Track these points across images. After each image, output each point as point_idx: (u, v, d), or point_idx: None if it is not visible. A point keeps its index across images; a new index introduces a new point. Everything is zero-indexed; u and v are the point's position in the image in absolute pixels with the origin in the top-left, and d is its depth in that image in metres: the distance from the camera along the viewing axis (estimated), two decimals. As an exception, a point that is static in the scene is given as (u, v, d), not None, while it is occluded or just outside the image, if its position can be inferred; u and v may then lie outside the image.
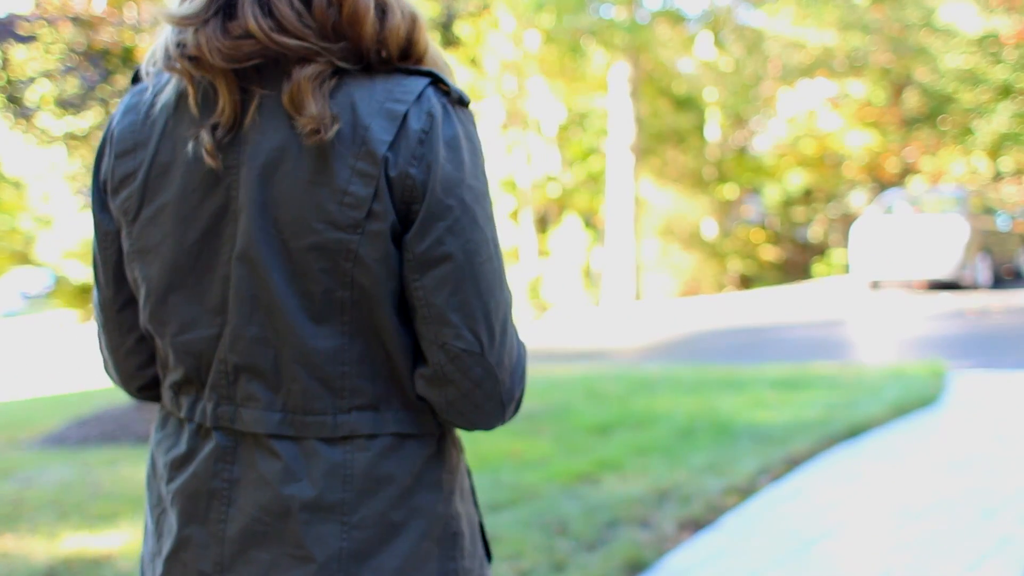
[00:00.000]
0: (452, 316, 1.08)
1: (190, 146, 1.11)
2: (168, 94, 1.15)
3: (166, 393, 1.21)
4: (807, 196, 22.91)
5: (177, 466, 1.17)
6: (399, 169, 1.06)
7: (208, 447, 1.15)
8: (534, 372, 8.44)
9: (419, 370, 1.13)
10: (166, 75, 1.16)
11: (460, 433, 1.26)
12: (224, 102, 1.09)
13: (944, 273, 13.88)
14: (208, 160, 1.09)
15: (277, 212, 1.08)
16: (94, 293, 1.26)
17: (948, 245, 13.81)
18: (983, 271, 14.32)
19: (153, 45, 1.16)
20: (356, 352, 1.11)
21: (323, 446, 1.10)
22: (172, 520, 1.17)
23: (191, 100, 1.11)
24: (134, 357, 1.25)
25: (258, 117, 1.09)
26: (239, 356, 1.12)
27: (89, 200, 1.25)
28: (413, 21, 1.13)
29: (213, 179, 1.11)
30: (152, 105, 1.16)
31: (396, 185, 1.06)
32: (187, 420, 1.17)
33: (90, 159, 6.82)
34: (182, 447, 1.17)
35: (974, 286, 14.10)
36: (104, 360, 1.29)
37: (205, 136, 1.09)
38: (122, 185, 1.16)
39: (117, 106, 1.20)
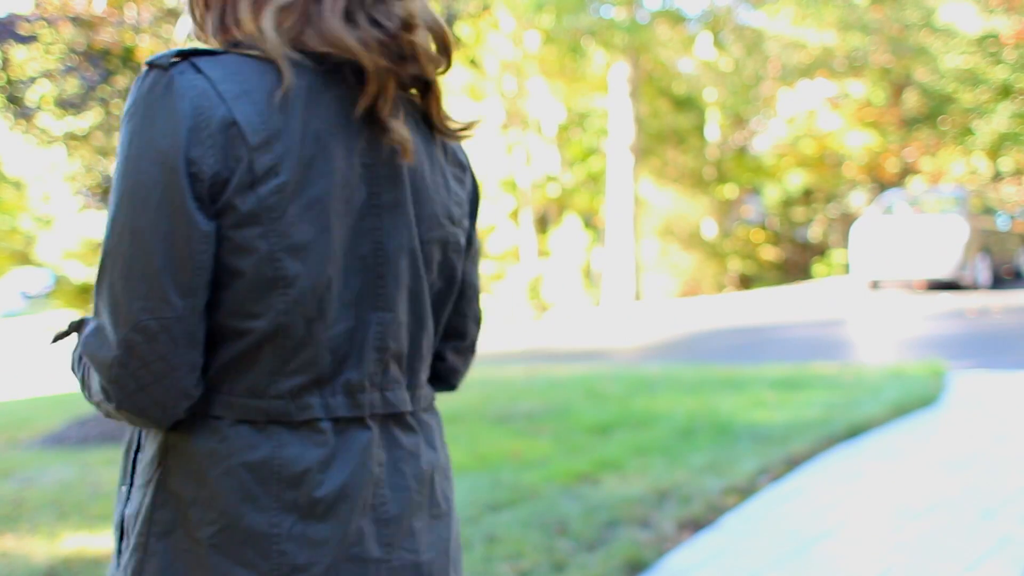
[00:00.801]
0: (478, 293, 1.34)
1: (338, 140, 1.13)
2: (294, 83, 1.11)
3: (279, 401, 1.12)
4: (807, 196, 22.93)
5: (321, 470, 1.12)
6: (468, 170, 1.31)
7: (355, 438, 1.14)
8: (534, 372, 8.44)
9: (453, 344, 1.34)
10: (245, 62, 1.11)
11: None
12: (370, 98, 1.14)
13: (944, 273, 13.88)
14: (361, 159, 1.15)
15: (417, 208, 1.19)
16: (158, 312, 1.07)
17: (948, 245, 13.81)
18: (983, 271, 14.32)
19: (263, 27, 1.13)
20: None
21: (430, 415, 1.26)
22: (329, 524, 1.13)
23: (332, 92, 1.13)
24: (196, 372, 1.11)
25: (396, 114, 1.17)
26: (395, 343, 1.19)
27: (164, 200, 1.06)
28: None
29: (358, 173, 1.14)
30: (269, 93, 1.10)
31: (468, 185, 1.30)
32: (317, 420, 1.13)
33: (90, 159, 6.82)
34: (319, 449, 1.12)
35: (974, 286, 14.10)
36: (142, 388, 1.09)
37: (363, 132, 1.15)
38: (265, 179, 1.09)
39: (185, 92, 1.08)
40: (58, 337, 1.25)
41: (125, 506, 1.18)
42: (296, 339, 1.11)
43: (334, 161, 1.12)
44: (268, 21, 1.12)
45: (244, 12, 1.15)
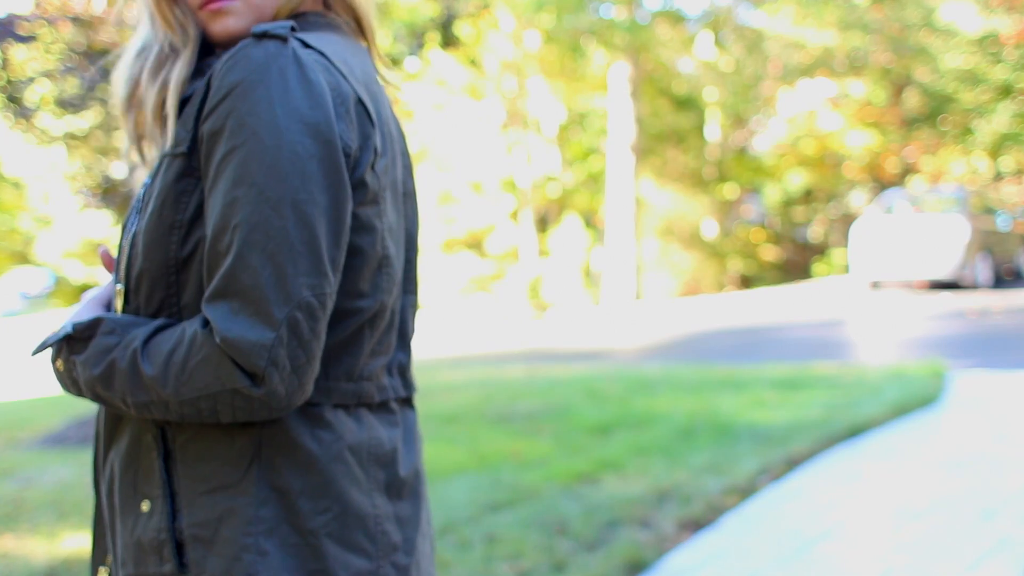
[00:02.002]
0: None
1: (395, 121, 1.17)
2: (355, 64, 1.12)
3: (368, 383, 1.12)
4: (807, 196, 22.92)
5: (400, 449, 1.15)
6: None
7: (410, 417, 1.20)
8: (534, 372, 8.43)
9: None
10: (329, 39, 1.11)
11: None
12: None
13: (944, 273, 13.88)
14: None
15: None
16: (318, 288, 1.00)
17: (948, 245, 13.81)
18: (983, 271, 14.32)
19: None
20: None
21: None
22: (411, 502, 1.16)
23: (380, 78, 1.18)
24: None
25: None
26: (416, 324, 1.22)
27: (321, 172, 1.00)
28: None
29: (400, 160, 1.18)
30: (364, 73, 1.12)
31: None
32: (391, 400, 1.16)
33: (90, 159, 6.82)
34: (396, 428, 1.16)
35: (974, 286, 14.09)
36: (295, 370, 1.00)
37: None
38: (379, 158, 1.09)
39: (312, 65, 1.03)
40: (42, 347, 1.11)
41: (172, 519, 1.05)
42: (387, 320, 1.12)
43: (397, 145, 1.15)
44: None
45: None
